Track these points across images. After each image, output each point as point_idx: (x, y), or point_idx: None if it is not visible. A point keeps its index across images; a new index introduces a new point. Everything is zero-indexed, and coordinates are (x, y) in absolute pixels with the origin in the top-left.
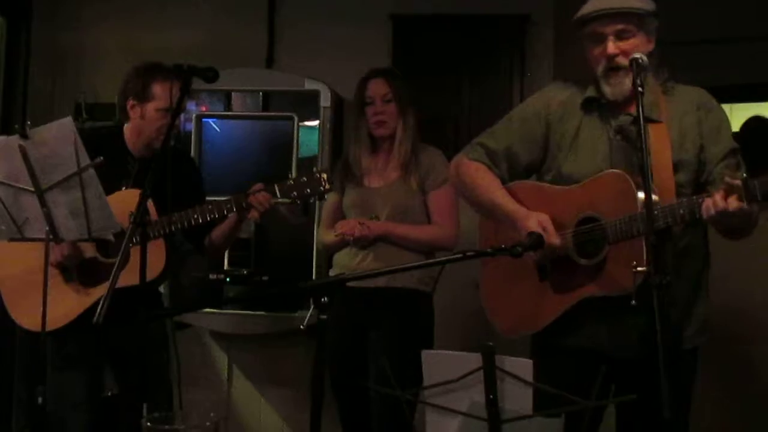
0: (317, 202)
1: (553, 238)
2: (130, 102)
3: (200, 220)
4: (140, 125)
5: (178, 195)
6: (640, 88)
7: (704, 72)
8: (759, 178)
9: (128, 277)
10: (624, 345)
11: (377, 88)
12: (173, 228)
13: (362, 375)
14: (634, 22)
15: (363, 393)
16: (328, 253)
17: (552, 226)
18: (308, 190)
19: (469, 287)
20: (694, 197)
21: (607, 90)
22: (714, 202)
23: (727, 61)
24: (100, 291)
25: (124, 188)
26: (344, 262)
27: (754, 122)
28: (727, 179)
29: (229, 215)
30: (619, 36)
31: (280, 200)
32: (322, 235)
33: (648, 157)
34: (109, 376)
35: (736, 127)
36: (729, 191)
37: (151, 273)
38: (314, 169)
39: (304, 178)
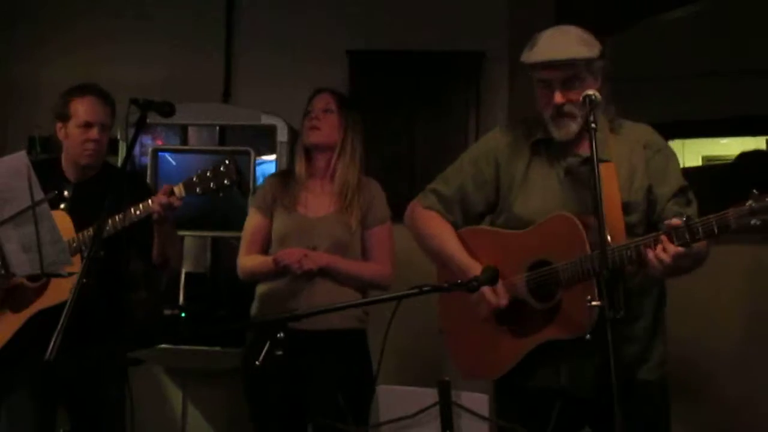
0: None
1: (501, 299)
2: (58, 125)
3: (112, 231)
4: (67, 146)
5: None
6: (593, 125)
7: (657, 108)
8: (701, 218)
9: (47, 299)
10: (581, 384)
11: (319, 100)
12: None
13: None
14: (581, 68)
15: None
16: (249, 280)
17: (501, 285)
18: (213, 184)
19: (429, 321)
20: (640, 239)
21: (555, 133)
22: (657, 253)
23: (679, 97)
24: (27, 314)
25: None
26: (279, 299)
27: (748, 156)
28: (667, 222)
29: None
30: (566, 85)
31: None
32: (244, 260)
33: (601, 195)
34: (62, 415)
35: (690, 162)
36: (673, 234)
37: (63, 294)
38: (225, 161)
39: (209, 173)
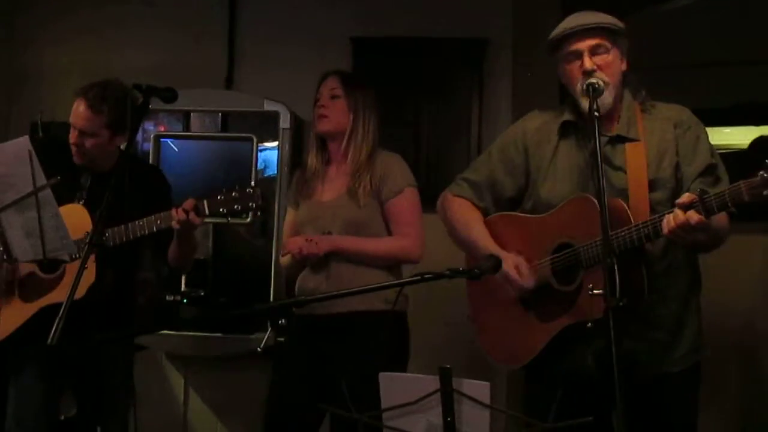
0: (276, 223)
1: (527, 281)
2: None
3: (131, 237)
4: None
5: (142, 207)
6: (596, 113)
7: (658, 98)
8: (715, 193)
9: (62, 293)
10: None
11: (325, 86)
12: (109, 243)
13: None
14: (608, 37)
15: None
16: (288, 274)
17: (527, 268)
18: (238, 207)
19: (438, 311)
20: (657, 215)
21: (585, 105)
22: (675, 216)
23: (681, 87)
24: (37, 305)
25: (76, 202)
26: (303, 286)
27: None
28: (678, 201)
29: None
30: (594, 52)
31: (208, 217)
32: (281, 259)
33: (604, 178)
34: (67, 398)
35: None
36: (687, 206)
37: (81, 289)
38: (251, 184)
39: (235, 194)
